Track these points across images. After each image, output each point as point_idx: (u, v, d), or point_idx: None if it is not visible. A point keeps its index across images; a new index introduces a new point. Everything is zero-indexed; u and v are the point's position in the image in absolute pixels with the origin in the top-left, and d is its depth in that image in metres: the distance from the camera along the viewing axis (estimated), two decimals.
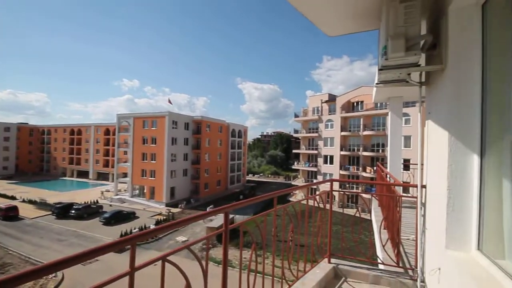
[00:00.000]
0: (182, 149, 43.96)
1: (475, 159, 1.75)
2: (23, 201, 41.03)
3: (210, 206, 38.36)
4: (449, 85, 1.89)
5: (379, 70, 2.17)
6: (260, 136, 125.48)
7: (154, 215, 35.41)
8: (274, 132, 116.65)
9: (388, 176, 4.74)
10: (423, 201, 2.46)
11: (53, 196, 45.15)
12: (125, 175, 46.23)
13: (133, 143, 43.96)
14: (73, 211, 34.09)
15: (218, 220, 30.09)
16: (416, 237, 2.52)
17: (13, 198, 43.11)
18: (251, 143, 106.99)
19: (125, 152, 46.60)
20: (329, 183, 3.34)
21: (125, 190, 46.73)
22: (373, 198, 6.98)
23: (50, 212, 35.15)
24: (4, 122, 71.63)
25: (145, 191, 42.75)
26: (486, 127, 1.71)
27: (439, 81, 2.10)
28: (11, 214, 32.98)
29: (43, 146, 77.18)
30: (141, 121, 43.41)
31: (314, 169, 43.27)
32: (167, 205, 39.80)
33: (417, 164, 2.78)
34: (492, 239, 1.65)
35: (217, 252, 23.20)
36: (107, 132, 65.35)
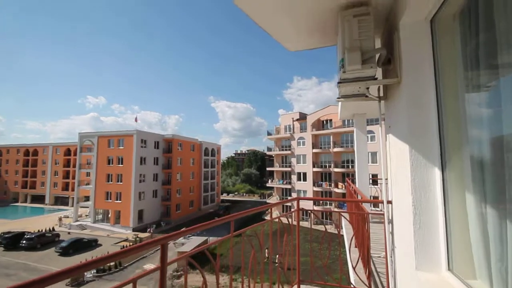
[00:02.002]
0: (151, 169, 41.91)
1: (437, 172, 1.70)
2: None
3: (182, 229, 36.36)
4: (405, 98, 1.88)
5: (338, 83, 2.14)
6: (234, 154, 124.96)
7: (119, 242, 32.60)
8: (248, 150, 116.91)
9: (356, 192, 4.74)
10: (390, 217, 2.39)
11: (2, 224, 39.94)
12: (87, 198, 42.60)
13: (96, 164, 41.03)
14: (24, 241, 30.23)
15: (190, 243, 28.52)
16: (386, 256, 2.42)
17: None
18: (225, 161, 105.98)
19: (88, 174, 43.32)
20: (305, 201, 3.18)
21: (86, 215, 42.90)
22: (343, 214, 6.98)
23: None
24: None
25: (109, 215, 39.53)
26: (444, 139, 1.69)
27: (396, 94, 2.11)
28: None
29: None
30: (106, 140, 40.97)
31: (288, 186, 43.50)
32: (134, 229, 37.00)
33: (381, 179, 2.74)
34: (461, 258, 1.56)
35: (189, 279, 21.54)
36: (67, 152, 60.65)
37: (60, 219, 42.21)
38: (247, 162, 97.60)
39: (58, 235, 33.75)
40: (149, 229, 37.13)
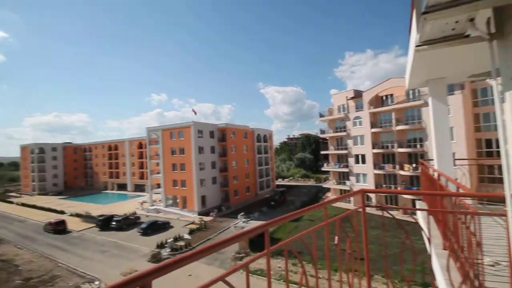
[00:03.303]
0: (209, 157, 44.51)
1: None
2: (71, 215, 44.41)
3: (241, 214, 38.05)
4: None
5: (423, 13, 1.36)
6: (286, 139, 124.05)
7: (187, 224, 35.96)
8: (300, 134, 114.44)
9: (445, 180, 3.66)
10: None
11: (97, 209, 48.29)
12: (158, 186, 47.99)
13: (163, 155, 45.55)
14: (113, 223, 35.87)
15: (250, 228, 29.56)
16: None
17: (62, 212, 46.91)
18: (278, 147, 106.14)
19: (157, 164, 48.49)
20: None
21: (159, 200, 48.45)
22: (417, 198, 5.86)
23: (94, 225, 37.42)
24: (51, 142, 79.15)
25: (177, 200, 43.84)
26: None
27: None
28: (60, 228, 35.69)
29: (86, 163, 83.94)
30: (169, 132, 44.91)
31: (346, 169, 41.02)
32: (199, 213, 40.33)
33: (465, 160, 1.88)
34: None
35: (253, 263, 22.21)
36: (140, 145, 68.99)
37: (141, 203, 48.84)
38: (300, 146, 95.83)
39: (139, 218, 39.12)
40: (211, 213, 39.97)
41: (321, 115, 44.67)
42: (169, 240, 28.01)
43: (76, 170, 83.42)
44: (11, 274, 23.06)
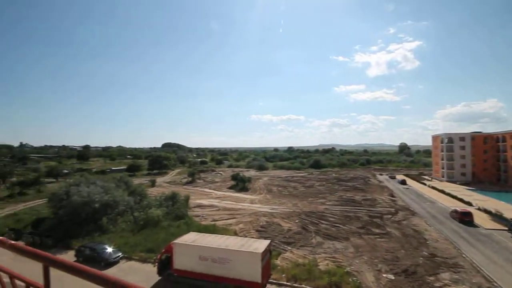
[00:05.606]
0: None
1: None
2: (478, 209, 41.53)
3: None
4: None
5: None
6: None
7: None
8: None
9: None
10: None
11: (510, 210, 40.02)
12: None
13: None
14: None
15: None
16: None
17: (468, 204, 45.45)
18: None
19: None
20: None
21: None
22: None
23: (506, 228, 31.70)
24: (459, 132, 78.92)
25: None
26: None
27: None
28: (466, 219, 34.97)
29: (498, 154, 72.40)
30: None
31: None
32: None
33: None
34: None
35: None
36: None
37: None
38: None
39: None
40: None
41: None
42: None
43: (486, 161, 75.27)
44: (420, 244, 27.25)
